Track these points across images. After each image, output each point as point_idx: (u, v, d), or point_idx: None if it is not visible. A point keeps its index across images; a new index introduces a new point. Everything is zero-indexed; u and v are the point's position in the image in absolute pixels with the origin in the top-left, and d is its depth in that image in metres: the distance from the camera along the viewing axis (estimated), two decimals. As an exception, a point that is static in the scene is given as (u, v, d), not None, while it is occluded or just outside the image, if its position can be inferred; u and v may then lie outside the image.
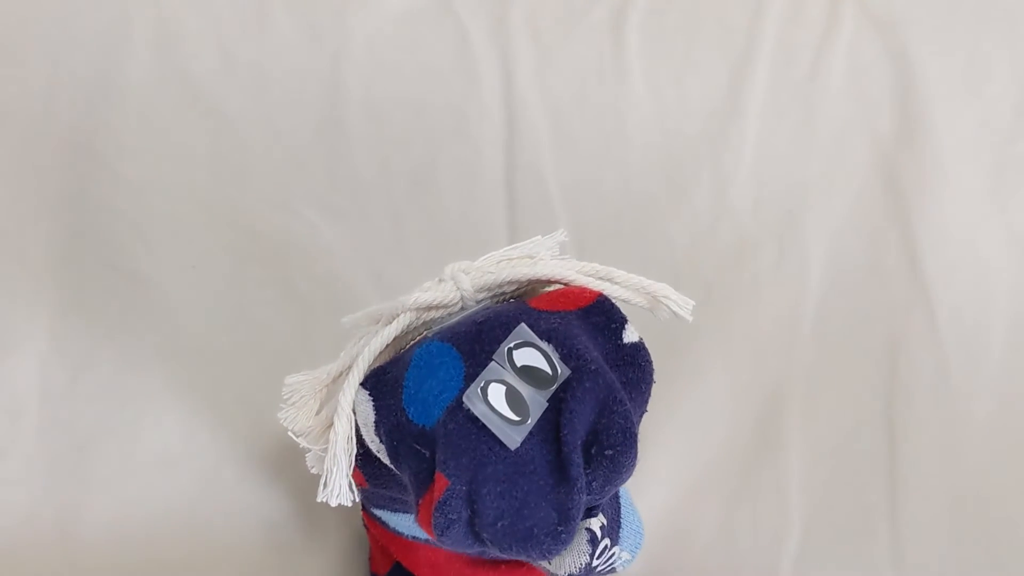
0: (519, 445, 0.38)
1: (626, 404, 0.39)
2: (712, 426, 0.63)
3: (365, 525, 0.55)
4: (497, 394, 0.38)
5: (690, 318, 0.44)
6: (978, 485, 0.62)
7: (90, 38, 0.67)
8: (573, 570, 0.40)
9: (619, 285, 0.44)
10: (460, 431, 0.38)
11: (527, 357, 0.39)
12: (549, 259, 0.44)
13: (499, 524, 0.37)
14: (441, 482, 0.37)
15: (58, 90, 0.66)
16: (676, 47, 0.70)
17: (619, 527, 0.42)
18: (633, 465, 0.39)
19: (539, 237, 0.45)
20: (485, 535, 0.37)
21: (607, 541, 0.40)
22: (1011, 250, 0.66)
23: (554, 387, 0.39)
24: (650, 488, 0.61)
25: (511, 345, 0.39)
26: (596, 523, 0.40)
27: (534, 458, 0.38)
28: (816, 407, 0.64)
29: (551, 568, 0.40)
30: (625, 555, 0.41)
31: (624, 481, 0.39)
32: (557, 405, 0.38)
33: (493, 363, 0.39)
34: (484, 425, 0.38)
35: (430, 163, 0.68)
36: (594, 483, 0.38)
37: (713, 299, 0.66)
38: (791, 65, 0.70)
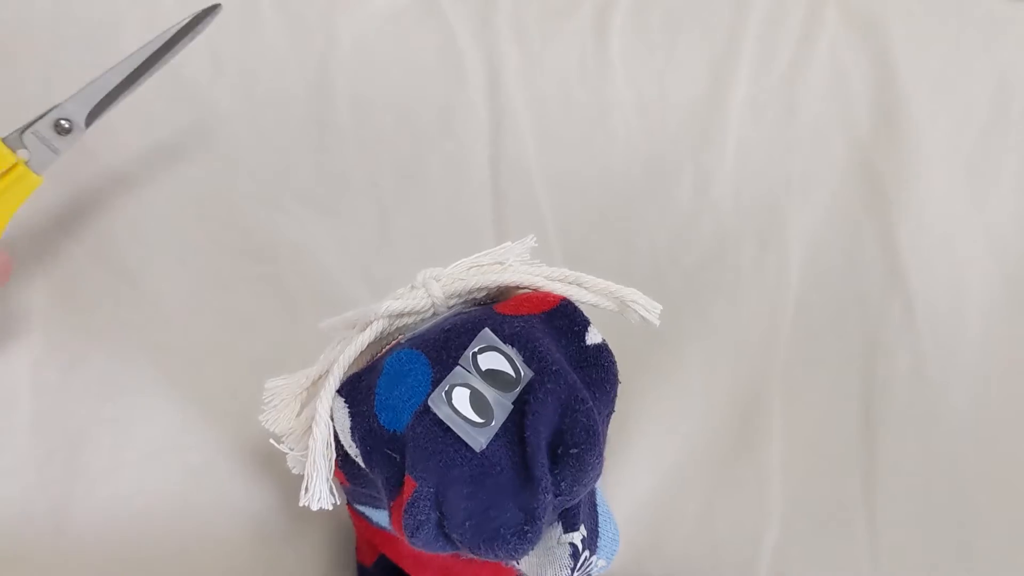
0: (484, 447, 0.39)
1: (589, 403, 0.40)
2: (693, 417, 0.64)
3: (351, 517, 0.56)
4: (461, 398, 0.39)
5: (657, 322, 0.45)
6: (952, 475, 0.63)
7: (82, 38, 0.68)
8: None
9: (587, 290, 0.45)
10: (427, 434, 0.39)
11: (491, 361, 0.40)
12: (519, 265, 0.45)
13: (467, 524, 0.38)
14: (410, 484, 0.39)
15: (50, 88, 0.67)
16: (658, 46, 0.71)
17: (598, 536, 0.43)
18: (599, 463, 0.40)
19: (509, 243, 0.46)
20: (454, 535, 0.38)
21: (587, 553, 0.41)
22: (986, 244, 0.68)
23: (518, 389, 0.40)
24: (631, 478, 0.62)
25: (475, 349, 0.40)
26: (578, 537, 0.40)
27: (500, 460, 0.39)
28: (796, 399, 0.65)
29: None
30: (601, 562, 0.42)
31: (592, 481, 0.40)
32: (522, 407, 0.40)
33: (458, 367, 0.40)
34: (450, 428, 0.39)
35: (417, 160, 0.69)
36: (563, 484, 0.39)
37: (694, 293, 0.67)
38: (772, 63, 0.71)
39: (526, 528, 0.38)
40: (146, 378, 0.62)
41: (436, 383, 0.40)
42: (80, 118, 0.55)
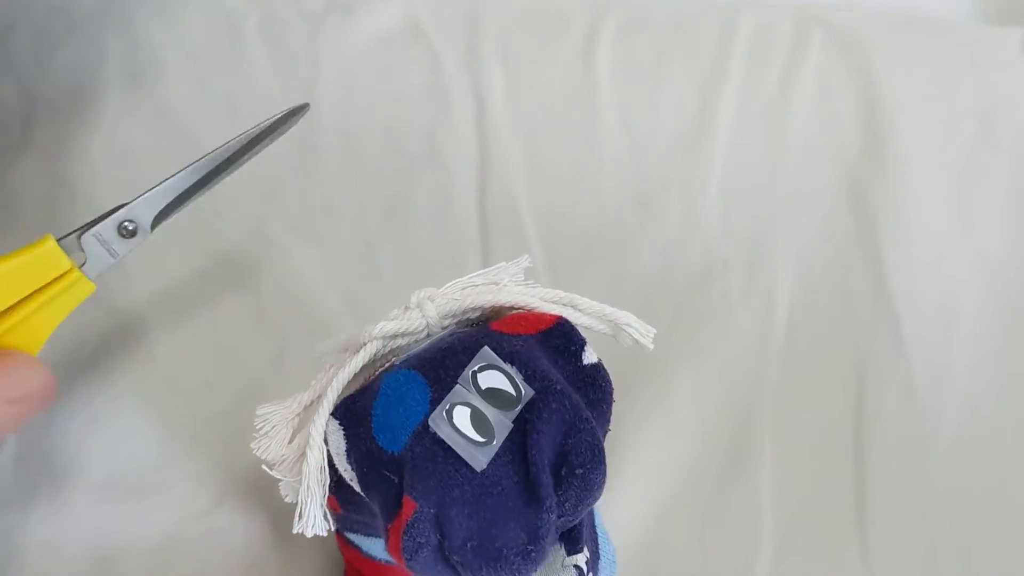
0: (485, 466, 0.39)
1: (592, 422, 0.39)
2: (682, 445, 0.63)
3: (339, 548, 0.55)
4: (462, 416, 0.39)
5: (651, 346, 0.45)
6: (945, 500, 0.62)
7: (65, 67, 0.67)
8: None
9: (581, 312, 0.44)
10: (426, 454, 0.39)
11: (491, 379, 0.40)
12: (513, 286, 0.45)
13: (468, 545, 0.37)
14: (409, 505, 0.38)
15: (34, 118, 0.67)
16: (645, 71, 0.71)
17: (598, 558, 0.42)
18: (603, 482, 0.39)
19: (504, 263, 0.46)
20: (455, 558, 0.38)
21: (591, 575, 0.40)
22: (976, 267, 0.67)
23: (519, 408, 0.39)
24: (621, 508, 0.61)
25: (475, 368, 0.40)
26: (582, 559, 0.40)
27: (501, 479, 0.39)
28: (785, 425, 0.64)
29: None
30: None
31: (596, 499, 0.40)
32: (523, 427, 0.39)
33: (458, 386, 0.40)
34: (450, 448, 0.39)
35: (403, 188, 0.68)
36: (567, 504, 0.38)
37: (683, 319, 0.66)
38: (759, 87, 0.71)
39: (530, 548, 0.37)
40: (131, 411, 0.61)
41: (434, 403, 0.40)
42: (147, 220, 0.49)
